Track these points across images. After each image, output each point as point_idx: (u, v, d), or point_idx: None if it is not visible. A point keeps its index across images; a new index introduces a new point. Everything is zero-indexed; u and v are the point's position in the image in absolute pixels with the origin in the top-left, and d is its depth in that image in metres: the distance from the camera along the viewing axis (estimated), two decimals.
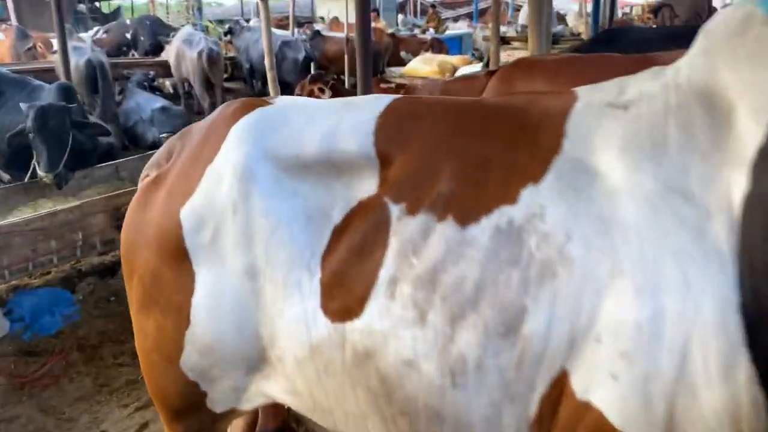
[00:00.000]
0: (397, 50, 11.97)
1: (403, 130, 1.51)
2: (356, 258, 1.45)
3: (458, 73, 9.05)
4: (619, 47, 3.18)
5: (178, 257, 1.61)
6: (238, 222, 1.53)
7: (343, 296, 1.46)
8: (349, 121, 1.55)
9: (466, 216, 1.35)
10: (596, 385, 1.21)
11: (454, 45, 13.01)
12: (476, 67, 9.13)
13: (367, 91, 3.94)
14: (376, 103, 1.58)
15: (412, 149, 1.47)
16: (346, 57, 8.63)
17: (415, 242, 1.38)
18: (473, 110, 1.51)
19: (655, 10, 10.61)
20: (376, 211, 1.45)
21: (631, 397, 1.16)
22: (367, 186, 1.49)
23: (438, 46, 11.73)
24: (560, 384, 1.27)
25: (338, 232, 1.49)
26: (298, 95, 5.49)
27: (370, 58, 3.81)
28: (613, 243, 1.20)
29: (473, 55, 12.37)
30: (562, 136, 1.34)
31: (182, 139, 1.81)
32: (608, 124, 1.30)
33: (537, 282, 1.25)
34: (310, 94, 5.10)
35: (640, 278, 1.16)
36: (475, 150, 1.41)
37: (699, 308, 1.10)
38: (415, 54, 11.59)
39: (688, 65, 1.27)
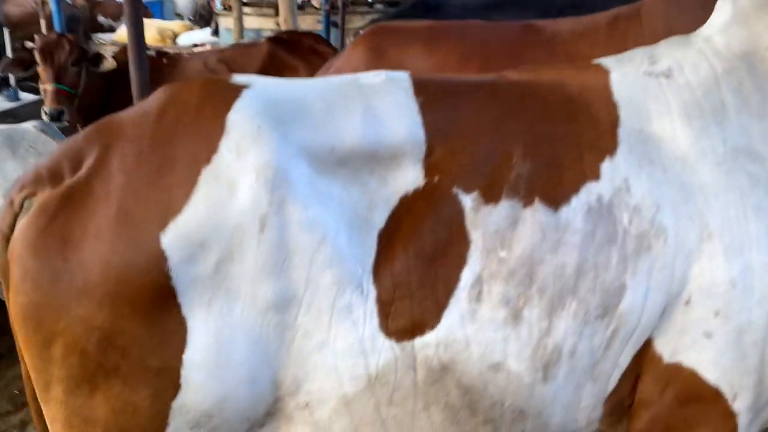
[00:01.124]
0: (93, 15, 10.46)
1: (447, 111, 1.32)
2: (425, 263, 1.25)
3: (182, 39, 8.36)
4: (441, 15, 3.27)
5: (155, 304, 1.17)
6: (267, 241, 1.18)
7: (412, 310, 1.25)
8: (385, 102, 1.30)
9: (555, 198, 1.26)
10: (687, 347, 1.27)
11: (155, 9, 11.93)
12: (201, 33, 8.54)
13: (142, 65, 3.32)
14: (397, 82, 1.35)
15: (461, 131, 1.31)
16: (43, 21, 7.23)
17: (503, 233, 1.24)
18: (508, 88, 1.40)
19: None
20: (439, 204, 1.26)
21: (727, 351, 1.24)
22: (408, 178, 1.27)
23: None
24: (643, 354, 1.30)
25: (387, 237, 1.26)
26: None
27: (142, 30, 3.17)
28: (697, 208, 1.25)
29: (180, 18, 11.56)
30: (617, 107, 1.33)
31: (100, 136, 1.29)
32: (657, 93, 1.33)
33: (634, 257, 1.24)
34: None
35: (728, 238, 1.23)
36: (536, 128, 1.32)
37: None
38: (115, 19, 10.30)
39: (722, 32, 1.36)
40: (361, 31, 3.53)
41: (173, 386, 1.20)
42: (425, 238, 1.25)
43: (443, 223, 1.25)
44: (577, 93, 1.36)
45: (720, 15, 1.39)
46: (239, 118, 1.21)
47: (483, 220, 1.25)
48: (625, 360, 1.31)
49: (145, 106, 1.31)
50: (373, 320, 1.24)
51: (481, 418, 1.31)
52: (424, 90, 1.33)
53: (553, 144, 1.30)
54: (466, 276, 1.24)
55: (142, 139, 1.23)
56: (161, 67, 4.35)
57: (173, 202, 1.17)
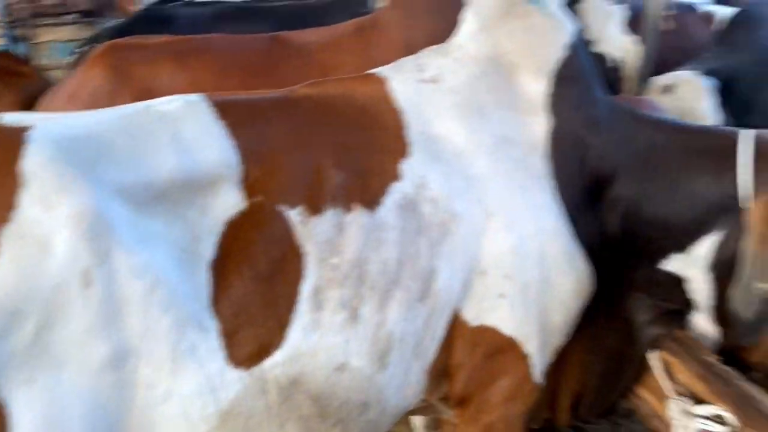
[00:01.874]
0: None
1: (256, 131, 1.33)
2: (264, 284, 1.25)
3: None
4: (174, 28, 3.10)
5: None
6: (94, 296, 1.06)
7: (256, 334, 1.25)
8: (191, 129, 1.24)
9: (370, 201, 1.35)
10: (486, 309, 1.49)
11: None
12: None
13: None
14: (196, 106, 1.30)
15: (274, 149, 1.33)
16: None
17: (333, 241, 1.30)
18: (305, 104, 1.45)
19: None
20: (266, 224, 1.26)
21: (517, 307, 1.50)
22: (228, 203, 1.26)
23: None
24: (453, 324, 1.49)
25: (219, 267, 1.23)
26: None
27: None
28: (479, 193, 1.47)
29: None
30: (401, 113, 1.48)
31: None
32: (431, 97, 1.52)
33: (439, 243, 1.41)
34: None
35: (505, 214, 1.48)
36: (339, 138, 1.40)
37: (543, 223, 1.51)
38: None
39: (472, 41, 1.59)
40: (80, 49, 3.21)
41: None
42: (259, 260, 1.25)
43: (275, 242, 1.27)
44: (365, 103, 1.48)
45: (468, 25, 1.63)
46: (36, 165, 1.06)
47: (312, 232, 1.29)
48: (440, 333, 1.48)
49: None
50: (218, 355, 1.21)
51: (332, 420, 1.36)
52: (227, 112, 1.32)
53: (357, 152, 1.40)
54: (305, 288, 1.28)
55: None
56: None
57: None
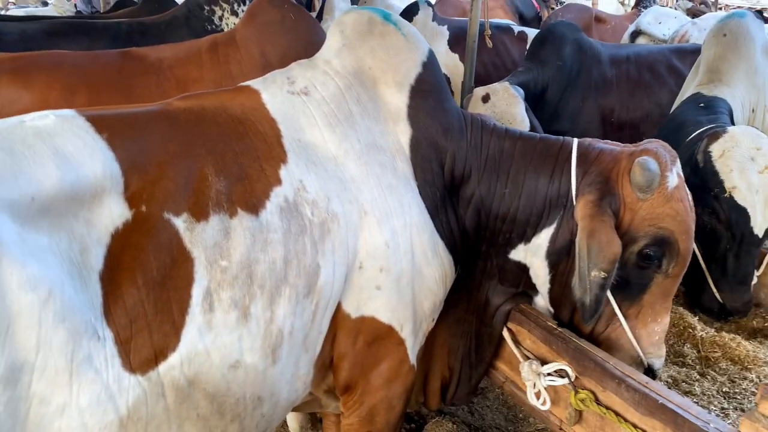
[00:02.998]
0: None
1: (136, 143, 1.35)
2: (157, 290, 1.28)
3: None
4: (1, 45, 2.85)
5: None
6: None
7: (151, 339, 1.28)
8: (71, 143, 1.25)
9: (254, 205, 1.44)
10: (365, 301, 1.64)
11: None
12: None
13: None
14: (72, 120, 1.30)
15: (155, 160, 1.36)
16: None
17: (220, 245, 1.37)
18: (183, 115, 1.49)
19: None
20: (154, 232, 1.30)
21: (392, 296, 1.66)
22: (113, 213, 1.28)
23: None
24: (335, 316, 1.62)
25: (110, 276, 1.25)
26: None
27: None
28: (353, 194, 1.62)
29: None
30: (276, 123, 1.59)
31: None
32: (303, 108, 1.64)
33: (321, 241, 1.54)
34: None
35: (377, 212, 1.64)
36: (219, 147, 1.46)
37: (411, 218, 1.69)
38: None
39: (337, 56, 1.74)
40: None
41: None
42: (151, 267, 1.29)
43: (164, 249, 1.31)
44: (241, 113, 1.57)
45: (332, 42, 1.78)
46: None
47: (199, 237, 1.35)
48: (325, 326, 1.60)
49: None
50: (115, 362, 1.23)
51: (229, 417, 1.42)
52: (104, 126, 1.34)
53: (237, 159, 1.48)
54: (197, 291, 1.33)
55: None
56: None
57: None
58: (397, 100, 1.75)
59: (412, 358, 1.75)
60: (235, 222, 1.40)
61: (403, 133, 1.74)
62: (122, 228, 1.27)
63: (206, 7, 3.53)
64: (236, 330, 1.39)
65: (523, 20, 6.87)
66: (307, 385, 1.64)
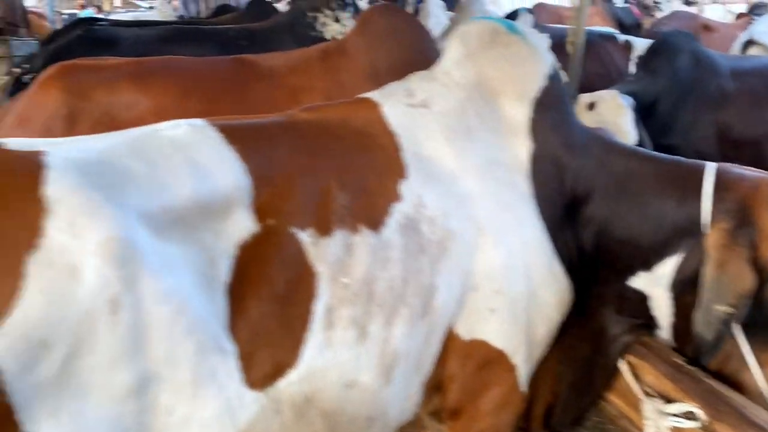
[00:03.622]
0: None
1: (265, 155, 1.34)
2: (280, 304, 1.26)
3: None
4: (120, 50, 2.99)
5: None
6: (121, 323, 1.04)
7: (272, 355, 1.26)
8: (204, 154, 1.25)
9: (375, 221, 1.40)
10: (478, 323, 1.57)
11: None
12: None
13: None
14: (204, 131, 1.31)
15: (283, 173, 1.35)
16: None
17: (342, 261, 1.33)
18: (307, 128, 1.48)
19: None
20: (280, 246, 1.28)
21: (506, 320, 1.58)
22: (242, 226, 1.27)
23: None
24: (447, 338, 1.55)
25: (236, 289, 1.23)
26: None
27: None
28: (470, 211, 1.55)
29: None
30: (395, 136, 1.54)
31: None
32: (422, 121, 1.59)
33: (438, 260, 1.48)
34: None
35: (493, 231, 1.56)
36: (342, 161, 1.44)
37: (528, 238, 1.61)
38: None
39: (458, 67, 1.68)
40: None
41: None
42: (275, 281, 1.27)
43: (289, 263, 1.28)
44: (362, 126, 1.53)
45: (453, 53, 1.72)
46: (61, 191, 1.03)
47: (323, 253, 1.32)
48: (437, 347, 1.53)
49: None
50: (236, 377, 1.21)
51: None
52: (235, 137, 1.33)
53: (359, 174, 1.44)
54: (318, 308, 1.30)
55: None
56: None
57: None
58: (519, 113, 1.66)
59: (523, 386, 1.66)
60: (357, 238, 1.37)
61: (522, 148, 1.65)
62: (250, 241, 1.26)
63: (309, 14, 3.57)
64: (354, 348, 1.35)
65: (622, 28, 6.61)
66: (417, 406, 1.58)
